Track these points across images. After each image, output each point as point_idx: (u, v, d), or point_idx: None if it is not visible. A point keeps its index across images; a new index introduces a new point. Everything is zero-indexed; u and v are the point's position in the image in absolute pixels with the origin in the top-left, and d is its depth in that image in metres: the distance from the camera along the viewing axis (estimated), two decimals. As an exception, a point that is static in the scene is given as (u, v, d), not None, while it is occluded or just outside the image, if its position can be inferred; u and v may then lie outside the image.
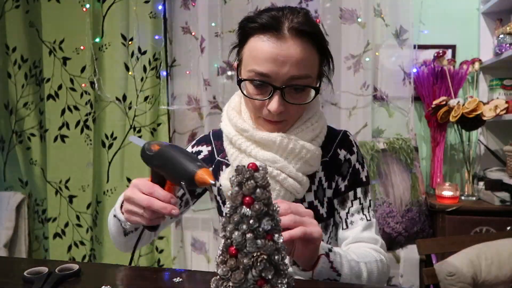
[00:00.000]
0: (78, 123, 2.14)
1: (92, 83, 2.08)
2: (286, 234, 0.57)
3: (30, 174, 2.25)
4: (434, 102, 1.98)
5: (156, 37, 2.07)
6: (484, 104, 1.81)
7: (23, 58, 2.19)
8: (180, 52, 2.15)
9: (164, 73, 2.09)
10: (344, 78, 2.04)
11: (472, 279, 1.23)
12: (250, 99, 0.79)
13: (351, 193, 0.87)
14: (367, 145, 1.90)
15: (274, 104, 0.75)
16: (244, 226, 0.47)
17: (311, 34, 0.75)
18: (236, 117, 0.84)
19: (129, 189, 0.68)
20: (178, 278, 0.65)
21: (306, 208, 0.84)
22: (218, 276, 0.49)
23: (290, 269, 0.64)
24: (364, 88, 2.03)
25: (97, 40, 2.09)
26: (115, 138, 2.11)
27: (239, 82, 0.80)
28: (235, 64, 0.86)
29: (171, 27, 2.14)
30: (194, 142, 0.96)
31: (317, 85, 0.81)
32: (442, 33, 2.13)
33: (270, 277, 0.47)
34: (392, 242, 1.84)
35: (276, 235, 0.49)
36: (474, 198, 1.92)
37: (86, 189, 2.12)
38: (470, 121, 1.83)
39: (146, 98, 2.07)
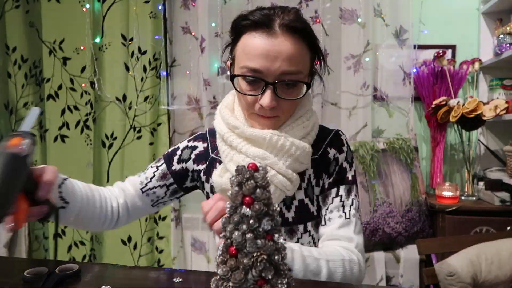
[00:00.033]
0: (78, 123, 2.14)
1: (92, 83, 2.08)
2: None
3: (30, 174, 2.24)
4: (434, 102, 1.98)
5: (156, 37, 2.07)
6: (484, 104, 1.81)
7: (23, 58, 2.19)
8: (180, 52, 2.16)
9: (164, 73, 2.09)
10: (344, 78, 2.04)
11: (472, 279, 1.23)
12: (243, 95, 0.81)
13: (333, 190, 0.87)
14: (367, 145, 1.90)
15: (266, 99, 0.77)
16: (244, 226, 0.47)
17: (301, 30, 0.77)
18: (228, 115, 0.86)
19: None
20: (178, 278, 0.65)
21: (296, 206, 0.85)
22: (218, 276, 0.49)
23: None
24: (364, 88, 2.03)
25: (97, 40, 2.09)
26: (115, 138, 2.11)
27: (232, 78, 0.82)
28: (228, 63, 0.87)
29: (171, 27, 2.14)
30: (191, 137, 0.98)
31: (309, 82, 0.82)
32: (442, 33, 2.13)
33: (270, 277, 0.47)
34: (392, 242, 1.84)
35: (276, 235, 0.49)
36: (474, 198, 1.92)
37: (86, 189, 2.12)
38: (470, 121, 1.83)
39: (146, 98, 2.07)
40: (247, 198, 0.47)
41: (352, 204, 0.86)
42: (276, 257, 0.48)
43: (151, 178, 0.94)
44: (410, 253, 1.79)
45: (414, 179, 1.91)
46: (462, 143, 2.00)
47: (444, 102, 1.93)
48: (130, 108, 2.09)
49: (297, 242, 0.86)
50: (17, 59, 2.19)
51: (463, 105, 1.82)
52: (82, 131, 2.14)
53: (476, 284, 1.24)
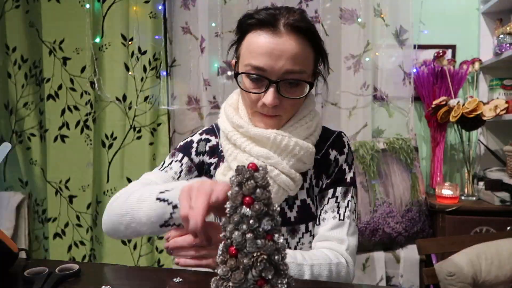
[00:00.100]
0: (78, 123, 2.14)
1: (92, 83, 2.08)
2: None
3: (30, 174, 2.25)
4: (434, 102, 1.98)
5: (156, 37, 2.07)
6: (484, 104, 1.81)
7: (23, 58, 2.19)
8: (180, 52, 2.15)
9: (164, 73, 2.08)
10: (344, 78, 2.04)
11: (472, 279, 1.23)
12: (246, 93, 0.81)
13: (330, 191, 0.87)
14: (367, 145, 1.90)
15: (269, 97, 0.77)
16: (244, 226, 0.47)
17: (306, 30, 0.78)
18: (232, 114, 0.86)
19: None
20: (178, 278, 0.65)
21: (298, 206, 0.86)
22: (218, 276, 0.49)
23: None
24: (364, 88, 2.03)
25: (97, 40, 2.08)
26: (115, 138, 2.11)
27: (236, 75, 0.82)
28: (233, 61, 0.88)
29: (171, 27, 2.14)
30: (201, 131, 0.96)
31: (312, 82, 0.83)
32: (442, 33, 2.13)
33: (270, 277, 0.47)
34: (392, 242, 1.84)
35: (276, 235, 0.49)
36: (474, 198, 1.92)
37: (86, 189, 2.12)
38: (470, 121, 1.83)
39: (146, 98, 2.07)
40: (247, 198, 0.47)
41: (347, 206, 0.86)
42: (276, 257, 0.48)
43: (180, 173, 0.89)
44: (410, 253, 1.79)
45: (414, 179, 1.91)
46: (462, 143, 2.00)
47: (444, 102, 1.94)
48: (130, 108, 2.08)
49: (299, 241, 0.87)
50: (17, 59, 2.19)
51: (463, 105, 1.82)
52: (82, 131, 2.14)
53: (476, 284, 1.24)
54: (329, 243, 0.83)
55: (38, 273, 0.65)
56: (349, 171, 0.89)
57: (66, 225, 2.17)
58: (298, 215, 0.86)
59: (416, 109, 2.16)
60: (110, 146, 2.12)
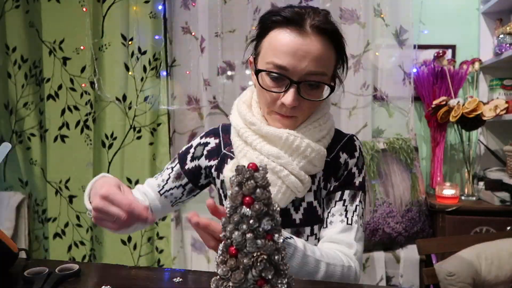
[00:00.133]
0: (78, 123, 2.14)
1: (92, 83, 2.08)
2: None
3: (30, 174, 2.25)
4: (434, 102, 1.98)
5: (156, 37, 2.07)
6: (484, 104, 1.81)
7: (23, 58, 2.19)
8: (180, 52, 2.15)
9: (164, 73, 2.08)
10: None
11: (472, 279, 1.23)
12: (264, 92, 0.80)
13: (338, 194, 0.86)
14: (367, 145, 1.90)
15: (289, 97, 0.76)
16: (244, 226, 0.47)
17: (331, 33, 0.77)
18: (245, 110, 0.85)
19: (102, 186, 0.70)
20: (178, 278, 0.65)
21: (304, 208, 0.85)
22: (218, 276, 0.49)
23: None
24: (364, 88, 2.03)
25: (97, 40, 2.08)
26: (115, 138, 2.11)
27: (257, 72, 0.80)
28: (251, 57, 0.86)
29: (171, 27, 2.14)
30: (203, 134, 0.98)
31: (333, 85, 0.82)
32: (442, 33, 2.13)
33: (270, 277, 0.47)
34: (392, 242, 1.84)
35: (276, 235, 0.49)
36: (474, 198, 1.92)
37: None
38: (470, 121, 1.83)
39: (146, 98, 2.07)
40: (247, 198, 0.47)
41: (355, 210, 0.84)
42: (276, 257, 0.48)
43: (167, 180, 0.95)
44: (410, 253, 1.79)
45: (414, 179, 1.91)
46: (462, 143, 2.00)
47: (444, 102, 1.93)
48: (130, 108, 2.08)
49: None
50: (17, 59, 2.19)
51: (463, 105, 1.82)
52: (82, 131, 2.14)
53: (476, 284, 1.24)
54: (338, 246, 0.82)
55: (38, 273, 0.65)
56: (359, 175, 0.87)
57: (66, 225, 2.17)
58: (304, 218, 0.85)
59: (416, 109, 2.16)
60: (110, 146, 2.12)
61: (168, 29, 2.11)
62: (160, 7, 2.06)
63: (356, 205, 0.85)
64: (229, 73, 2.12)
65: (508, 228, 1.61)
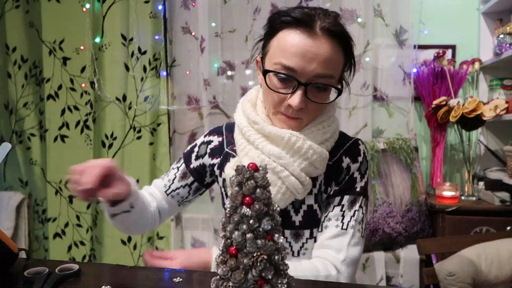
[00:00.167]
0: (78, 123, 2.14)
1: (92, 83, 2.08)
2: None
3: (30, 174, 2.25)
4: (434, 102, 1.98)
5: (156, 37, 2.07)
6: (484, 104, 1.81)
7: (23, 58, 2.19)
8: (180, 52, 2.15)
9: (164, 73, 2.08)
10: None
11: (472, 279, 1.23)
12: (271, 92, 0.79)
13: (337, 199, 0.84)
14: (367, 145, 1.90)
15: (296, 99, 0.76)
16: (244, 226, 0.47)
17: (341, 35, 0.77)
18: (249, 109, 0.85)
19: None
20: (178, 278, 0.65)
21: (304, 210, 0.85)
22: (218, 276, 0.49)
23: None
24: (364, 88, 2.03)
25: (97, 40, 2.08)
26: (115, 138, 2.11)
27: (265, 73, 0.79)
28: (259, 57, 0.86)
29: (171, 27, 2.14)
30: (207, 132, 0.99)
31: (340, 88, 0.82)
32: (442, 33, 2.13)
33: (270, 277, 0.47)
34: (392, 242, 1.84)
35: (276, 235, 0.49)
36: (474, 198, 1.92)
37: (86, 189, 2.12)
38: (470, 121, 1.83)
39: (146, 98, 2.07)
40: (247, 198, 0.47)
41: (353, 215, 0.83)
42: (276, 257, 0.48)
43: (173, 180, 0.96)
44: (410, 253, 1.79)
45: (414, 179, 1.91)
46: (462, 143, 2.00)
47: (444, 102, 1.93)
48: (130, 108, 2.08)
49: (302, 246, 0.86)
50: (17, 59, 2.19)
51: (463, 105, 1.82)
52: (82, 131, 2.14)
53: (476, 284, 1.24)
54: (325, 251, 0.81)
55: (38, 273, 0.65)
56: (361, 180, 0.86)
57: (66, 225, 2.17)
58: (303, 220, 0.85)
59: (416, 109, 2.16)
60: (110, 146, 2.12)
61: (168, 29, 2.11)
62: (160, 7, 2.06)
63: (355, 210, 0.84)
64: (229, 73, 2.12)
65: (508, 228, 1.61)
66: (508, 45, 1.86)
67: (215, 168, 0.94)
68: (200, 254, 0.80)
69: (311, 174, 0.82)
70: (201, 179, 0.96)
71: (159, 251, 0.81)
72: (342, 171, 0.86)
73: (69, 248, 2.17)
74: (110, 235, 2.11)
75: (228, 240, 0.48)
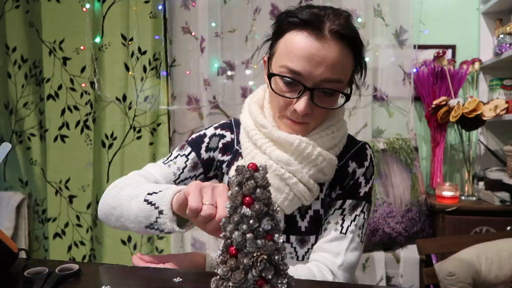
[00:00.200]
0: (78, 123, 2.14)
1: (92, 83, 2.08)
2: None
3: (30, 174, 2.25)
4: (434, 102, 1.98)
5: (156, 37, 2.07)
6: (484, 104, 1.81)
7: (23, 58, 2.19)
8: (180, 52, 2.15)
9: (164, 73, 2.08)
10: (344, 78, 2.04)
11: (472, 279, 1.23)
12: (276, 96, 0.76)
13: (339, 202, 0.83)
14: (367, 145, 1.90)
15: (302, 104, 0.73)
16: (244, 226, 0.47)
17: (351, 39, 0.73)
18: (257, 112, 0.82)
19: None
20: (178, 278, 0.65)
21: (311, 216, 0.83)
22: (218, 276, 0.49)
23: None
24: (364, 88, 2.03)
25: (97, 40, 2.08)
26: (115, 138, 2.11)
27: (270, 76, 0.77)
28: (266, 57, 0.83)
29: (171, 27, 2.14)
30: (217, 125, 0.92)
31: (347, 92, 0.79)
32: (442, 33, 2.13)
33: (270, 277, 0.47)
34: (392, 242, 1.84)
35: (276, 235, 0.49)
36: (474, 198, 1.92)
37: (86, 189, 2.12)
38: (470, 121, 1.83)
39: (146, 98, 2.07)
40: (247, 198, 0.47)
41: (354, 220, 0.81)
42: (276, 257, 0.48)
43: (183, 169, 0.87)
44: (410, 253, 1.79)
45: (414, 179, 1.91)
46: (462, 143, 2.00)
47: (444, 102, 1.94)
48: (130, 108, 2.08)
49: (307, 251, 0.84)
50: (17, 59, 2.19)
51: (463, 105, 1.82)
52: (82, 131, 2.14)
53: (476, 284, 1.24)
54: (322, 255, 0.80)
55: (38, 273, 0.65)
56: (365, 185, 0.84)
57: (66, 225, 2.17)
58: (309, 226, 0.83)
59: (416, 109, 2.16)
60: (110, 146, 2.12)
61: (168, 29, 2.11)
62: (160, 7, 2.06)
63: (356, 215, 0.82)
64: (229, 73, 2.12)
65: (508, 228, 1.61)
66: (508, 45, 1.86)
67: (224, 165, 0.89)
68: (194, 257, 0.77)
69: (319, 180, 0.80)
70: (207, 172, 0.90)
71: (150, 255, 0.76)
72: (348, 176, 0.84)
73: (69, 248, 2.17)
74: (110, 235, 2.11)
75: (228, 240, 0.48)
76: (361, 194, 0.84)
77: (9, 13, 2.16)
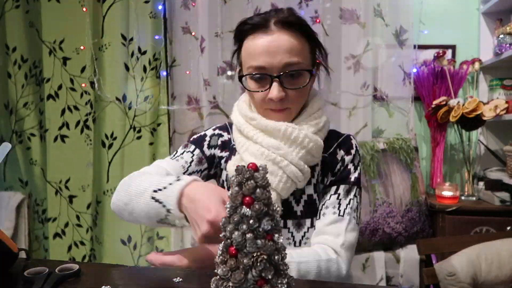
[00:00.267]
0: (78, 123, 2.14)
1: (92, 83, 2.08)
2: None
3: (30, 174, 2.25)
4: (434, 102, 1.98)
5: (156, 37, 2.07)
6: (484, 104, 1.81)
7: (23, 58, 2.19)
8: (180, 52, 2.15)
9: (164, 73, 2.09)
10: (344, 78, 2.04)
11: (472, 279, 1.23)
12: (253, 94, 0.86)
13: (333, 188, 0.90)
14: (367, 145, 1.90)
15: (274, 91, 0.82)
16: (244, 226, 0.47)
17: (296, 24, 0.83)
18: (245, 108, 0.91)
19: (207, 206, 0.64)
20: (178, 278, 0.65)
21: (305, 200, 0.89)
22: (218, 276, 0.49)
23: None
24: (364, 88, 2.03)
25: (97, 40, 2.08)
26: (115, 138, 2.11)
27: (240, 78, 0.88)
28: (237, 69, 0.93)
29: (171, 27, 2.14)
30: (214, 127, 1.01)
31: (311, 69, 0.86)
32: (442, 33, 2.13)
33: (270, 277, 0.47)
34: (392, 242, 1.84)
35: (276, 235, 0.49)
36: (474, 198, 1.92)
37: (86, 189, 2.12)
38: (470, 121, 1.83)
39: (146, 98, 2.07)
40: (247, 198, 0.47)
41: (349, 203, 0.88)
42: (276, 257, 0.48)
43: (190, 163, 0.92)
44: (410, 253, 1.79)
45: (414, 179, 1.91)
46: (462, 143, 2.00)
47: (444, 102, 1.94)
48: (130, 108, 2.09)
49: (304, 235, 0.90)
50: (17, 59, 2.19)
51: (463, 105, 1.82)
52: (82, 131, 2.14)
53: (476, 284, 1.24)
54: (324, 237, 0.86)
55: (38, 273, 0.65)
56: (355, 171, 0.91)
57: (66, 225, 2.17)
58: (304, 209, 0.89)
59: (416, 109, 2.16)
60: (110, 146, 2.12)
61: (168, 29, 2.11)
62: (160, 7, 2.06)
63: (350, 199, 0.89)
64: (229, 73, 2.12)
65: (508, 228, 1.61)
66: (508, 45, 1.86)
67: (223, 161, 0.96)
68: (210, 248, 0.77)
69: (308, 162, 0.86)
70: (210, 168, 0.97)
71: (164, 253, 0.76)
72: (337, 163, 0.91)
73: (69, 248, 2.17)
74: (110, 235, 2.11)
75: (228, 240, 0.48)
76: (352, 179, 0.91)
77: (9, 13, 2.16)
